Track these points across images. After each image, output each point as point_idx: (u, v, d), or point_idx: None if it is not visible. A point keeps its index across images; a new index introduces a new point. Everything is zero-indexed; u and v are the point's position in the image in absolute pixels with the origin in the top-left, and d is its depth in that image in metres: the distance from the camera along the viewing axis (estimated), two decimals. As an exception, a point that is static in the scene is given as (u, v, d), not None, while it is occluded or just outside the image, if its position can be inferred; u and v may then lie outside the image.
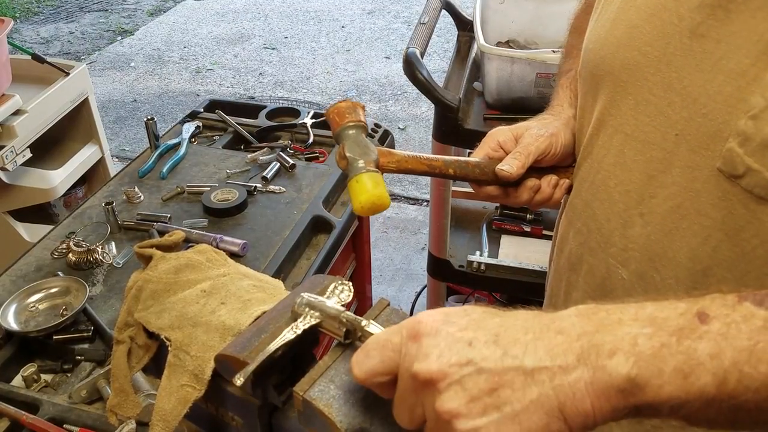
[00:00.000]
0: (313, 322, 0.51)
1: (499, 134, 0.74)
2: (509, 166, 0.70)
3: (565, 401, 0.37)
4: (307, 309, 0.52)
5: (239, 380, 0.50)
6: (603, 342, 0.38)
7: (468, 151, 1.99)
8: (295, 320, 0.52)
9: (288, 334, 0.51)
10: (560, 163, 0.73)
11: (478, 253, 1.68)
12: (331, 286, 0.54)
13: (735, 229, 0.50)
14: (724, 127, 0.49)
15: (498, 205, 1.82)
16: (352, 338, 0.49)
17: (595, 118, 0.63)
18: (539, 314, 0.41)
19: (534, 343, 0.39)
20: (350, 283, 0.55)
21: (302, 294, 0.53)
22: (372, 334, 0.47)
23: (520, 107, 1.44)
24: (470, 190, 1.99)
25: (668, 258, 0.56)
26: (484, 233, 1.76)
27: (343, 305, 0.52)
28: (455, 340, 0.39)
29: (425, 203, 2.84)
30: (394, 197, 2.92)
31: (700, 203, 0.52)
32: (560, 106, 0.77)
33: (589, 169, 0.65)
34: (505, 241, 1.73)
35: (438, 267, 1.70)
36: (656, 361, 0.37)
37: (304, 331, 0.51)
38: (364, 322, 0.48)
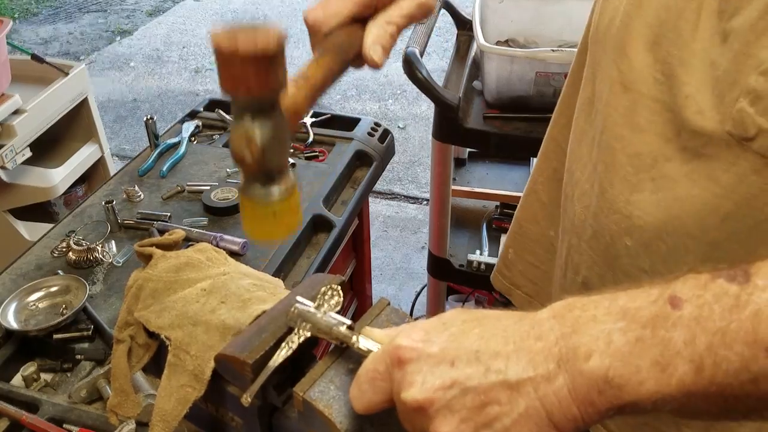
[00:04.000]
0: (307, 335, 0.51)
1: None
2: (380, 56, 0.52)
3: (552, 409, 0.37)
4: (299, 321, 0.52)
5: (246, 400, 0.50)
6: (579, 344, 0.37)
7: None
8: (290, 332, 0.52)
9: (283, 351, 0.51)
10: None
11: (478, 252, 1.68)
12: (321, 292, 0.53)
13: (746, 197, 0.48)
14: (733, 87, 0.45)
15: (498, 204, 1.82)
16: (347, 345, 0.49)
17: (607, 76, 0.58)
18: (519, 319, 0.41)
19: (515, 354, 0.39)
20: (339, 288, 0.54)
21: (295, 302, 0.53)
22: (363, 349, 0.47)
23: (520, 106, 1.44)
24: (471, 189, 1.98)
25: (675, 227, 0.53)
26: (484, 232, 1.76)
27: (333, 314, 0.52)
28: (437, 362, 0.40)
29: (425, 202, 2.84)
30: (394, 196, 2.92)
31: (711, 169, 0.49)
32: None
33: (596, 128, 0.60)
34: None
35: (438, 266, 1.70)
36: (632, 358, 0.36)
37: (301, 343, 0.51)
38: (354, 338, 0.47)
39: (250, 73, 0.39)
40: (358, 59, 0.53)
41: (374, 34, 0.52)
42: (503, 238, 1.74)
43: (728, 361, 0.35)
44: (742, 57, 0.45)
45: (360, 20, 0.53)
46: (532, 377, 0.38)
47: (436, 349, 0.40)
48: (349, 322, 0.50)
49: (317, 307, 0.52)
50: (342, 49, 0.51)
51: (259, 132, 0.42)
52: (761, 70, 0.44)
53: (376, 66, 0.53)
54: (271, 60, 0.39)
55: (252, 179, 0.45)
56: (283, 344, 0.52)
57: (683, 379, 0.36)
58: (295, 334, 0.52)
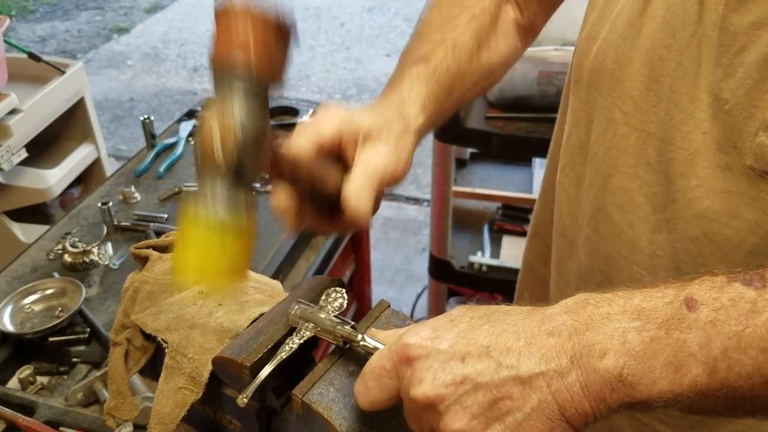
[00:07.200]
0: (309, 335, 0.51)
1: (343, 121, 0.51)
2: (365, 206, 0.49)
3: (565, 404, 0.38)
4: (301, 321, 0.51)
5: (243, 401, 0.50)
6: (594, 342, 0.38)
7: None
8: (291, 332, 0.52)
9: (283, 353, 0.51)
10: None
11: (479, 253, 1.68)
12: (325, 293, 0.53)
13: None
14: (750, 122, 0.46)
15: (500, 205, 1.81)
16: (351, 344, 0.49)
17: (606, 119, 0.58)
18: (529, 314, 0.41)
19: (527, 349, 0.39)
20: (344, 291, 0.53)
21: (296, 303, 0.52)
22: (369, 346, 0.46)
23: (521, 106, 1.44)
24: (472, 190, 1.98)
25: (698, 265, 0.52)
26: (486, 234, 1.76)
27: (337, 315, 0.51)
28: (447, 358, 0.39)
29: (426, 203, 2.83)
30: (395, 197, 2.91)
31: (732, 205, 0.49)
32: (407, 107, 0.56)
33: (596, 173, 0.60)
34: (507, 241, 1.73)
35: (439, 268, 1.69)
36: (646, 358, 0.37)
37: (302, 345, 0.51)
38: (359, 336, 0.47)
39: (258, 36, 0.33)
40: (336, 209, 0.49)
41: (352, 187, 0.49)
42: (505, 240, 1.74)
43: (742, 365, 0.35)
44: (757, 92, 0.45)
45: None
46: (544, 372, 0.38)
47: (445, 346, 0.40)
48: (352, 323, 0.49)
49: (320, 309, 0.52)
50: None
51: (244, 112, 0.34)
52: None
53: (358, 220, 0.49)
54: (283, 32, 0.34)
55: (209, 177, 0.35)
56: (283, 345, 0.51)
57: (696, 380, 0.36)
58: (296, 334, 0.51)
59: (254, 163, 0.36)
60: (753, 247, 0.49)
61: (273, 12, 0.34)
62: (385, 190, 0.51)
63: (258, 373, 0.51)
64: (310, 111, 1.52)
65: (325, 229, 0.54)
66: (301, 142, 0.48)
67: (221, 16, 0.35)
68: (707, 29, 0.48)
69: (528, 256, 0.86)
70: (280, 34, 0.34)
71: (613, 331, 0.38)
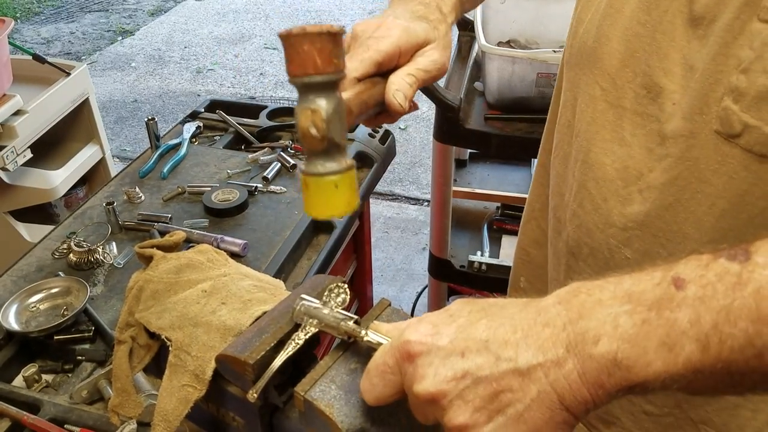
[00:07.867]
0: (314, 330, 0.52)
1: (401, 38, 0.59)
2: (404, 98, 0.57)
3: (564, 393, 0.38)
4: (306, 318, 0.52)
5: (253, 396, 0.51)
6: (587, 329, 0.38)
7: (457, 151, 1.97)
8: (296, 329, 0.53)
9: (289, 348, 0.52)
10: None
11: (479, 253, 1.69)
12: (328, 290, 0.54)
13: (738, 194, 0.49)
14: (716, 87, 0.47)
15: (499, 205, 1.82)
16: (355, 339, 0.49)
17: (588, 95, 0.60)
18: (524, 306, 0.41)
19: (524, 341, 0.39)
20: (346, 286, 0.54)
21: (301, 299, 0.53)
22: (373, 342, 0.47)
23: (521, 107, 1.44)
24: (472, 190, 1.97)
25: (673, 232, 0.54)
26: (485, 233, 1.77)
27: (340, 310, 0.52)
28: (447, 354, 0.40)
29: (426, 203, 2.84)
30: (395, 197, 2.92)
31: (700, 171, 0.50)
32: (443, 6, 0.64)
33: (579, 149, 0.62)
34: (506, 241, 1.74)
35: (439, 267, 1.70)
36: (640, 340, 0.37)
37: (306, 341, 0.52)
38: (362, 332, 0.48)
39: (317, 51, 0.45)
40: (382, 111, 0.58)
41: (395, 83, 0.57)
42: (504, 240, 1.75)
43: (733, 337, 0.36)
44: (722, 57, 0.47)
45: (381, 75, 0.58)
46: (542, 363, 0.38)
47: (445, 341, 0.41)
48: (356, 317, 0.50)
49: (323, 304, 0.52)
50: (365, 95, 0.56)
51: (324, 105, 0.47)
52: (741, 69, 0.45)
53: (399, 110, 0.57)
54: (335, 39, 0.45)
55: (315, 154, 0.49)
56: (290, 341, 0.52)
57: (690, 357, 0.36)
58: (302, 330, 0.52)
59: (340, 129, 0.48)
60: (722, 211, 0.50)
61: (323, 26, 0.45)
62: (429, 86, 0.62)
63: (261, 371, 0.52)
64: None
65: (372, 124, 0.64)
66: (356, 64, 0.56)
67: (286, 39, 0.45)
68: (680, 5, 0.50)
69: (523, 240, 0.87)
70: (333, 40, 0.45)
71: (605, 316, 0.38)
